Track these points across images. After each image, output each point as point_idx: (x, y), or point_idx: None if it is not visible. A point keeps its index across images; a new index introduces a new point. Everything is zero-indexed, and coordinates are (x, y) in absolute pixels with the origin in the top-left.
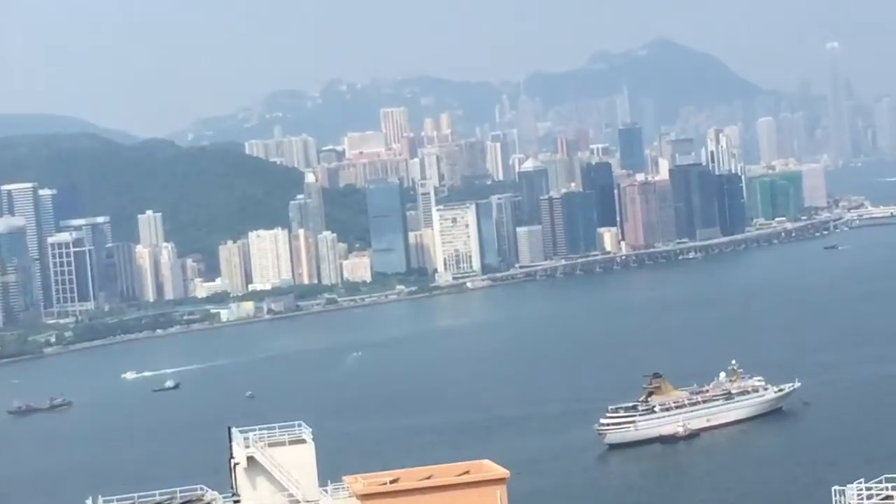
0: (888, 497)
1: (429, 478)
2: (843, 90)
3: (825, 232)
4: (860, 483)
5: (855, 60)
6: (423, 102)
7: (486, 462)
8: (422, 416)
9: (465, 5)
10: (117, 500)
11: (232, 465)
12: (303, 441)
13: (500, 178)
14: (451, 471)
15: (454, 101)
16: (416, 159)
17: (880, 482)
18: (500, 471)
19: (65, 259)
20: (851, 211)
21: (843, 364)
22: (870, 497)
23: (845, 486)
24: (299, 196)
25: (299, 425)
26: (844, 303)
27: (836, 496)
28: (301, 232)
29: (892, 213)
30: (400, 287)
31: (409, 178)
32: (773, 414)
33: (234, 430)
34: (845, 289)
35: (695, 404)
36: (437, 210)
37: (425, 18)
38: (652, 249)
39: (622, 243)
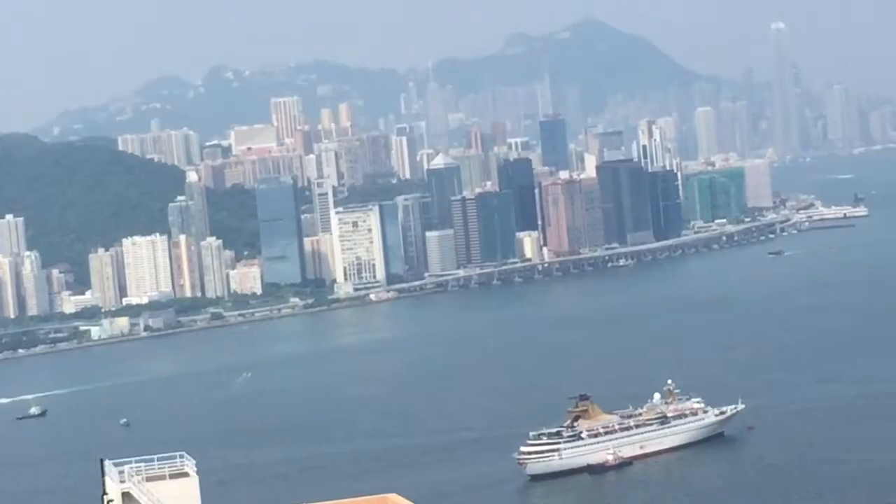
0: None
1: None
2: (789, 77)
3: (770, 235)
4: None
5: (803, 43)
6: (320, 92)
7: (393, 496)
8: (320, 444)
9: None
10: None
11: (105, 501)
12: (185, 474)
13: (407, 176)
14: None
15: (355, 91)
16: (312, 156)
17: None
18: None
19: None
20: (800, 212)
21: (791, 384)
22: None
23: None
24: (180, 198)
25: (181, 456)
26: (791, 316)
27: None
28: (182, 238)
29: (844, 215)
30: (294, 300)
31: (305, 177)
32: (713, 440)
33: (106, 462)
34: (792, 300)
35: (626, 430)
36: (336, 213)
37: None
38: (577, 256)
39: (544, 249)
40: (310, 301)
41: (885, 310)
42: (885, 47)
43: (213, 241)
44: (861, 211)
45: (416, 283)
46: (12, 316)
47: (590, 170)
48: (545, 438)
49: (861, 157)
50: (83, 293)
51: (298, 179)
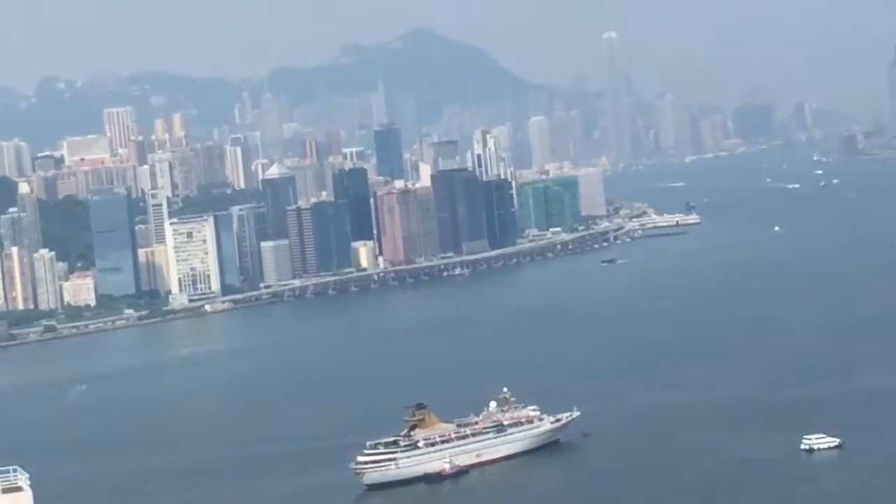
0: None
1: None
2: (622, 86)
3: (604, 244)
4: None
5: (634, 53)
6: (154, 102)
7: None
8: (156, 456)
9: None
10: None
11: None
12: (19, 489)
13: (242, 186)
14: None
15: (188, 101)
16: (146, 166)
17: None
18: None
19: None
20: (633, 220)
21: (625, 390)
22: None
23: None
24: (12, 209)
25: (14, 470)
26: (624, 323)
27: None
28: (14, 250)
29: (677, 222)
30: (129, 311)
31: (138, 188)
32: (550, 447)
33: None
34: (625, 308)
35: (463, 438)
36: (171, 224)
37: (153, 7)
38: (413, 265)
39: (380, 259)
40: (144, 313)
41: (717, 316)
42: (715, 57)
43: (45, 253)
44: (693, 219)
45: (252, 293)
46: None
47: (425, 179)
48: (382, 448)
49: (692, 165)
50: None
51: (132, 190)
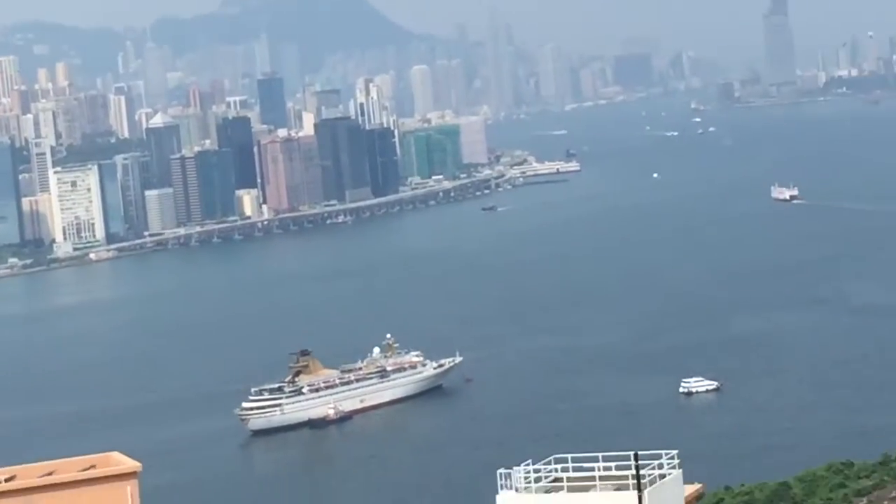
0: (557, 479)
1: (50, 474)
2: (503, 35)
3: (486, 191)
4: (527, 465)
5: (515, 2)
6: (37, 51)
7: (115, 454)
8: (42, 404)
9: None
10: None
11: None
12: None
13: (126, 135)
14: (75, 465)
15: (72, 50)
16: (30, 115)
17: (548, 463)
18: (131, 464)
19: None
20: (514, 168)
21: (505, 337)
22: (538, 480)
23: (511, 468)
24: None
25: None
26: (504, 271)
27: (501, 480)
28: None
29: (557, 170)
30: (13, 260)
31: (22, 137)
32: (432, 392)
33: None
34: (505, 255)
35: (347, 384)
36: (55, 172)
37: None
38: (297, 213)
39: (264, 207)
40: (29, 261)
41: (597, 263)
42: (595, 6)
43: None
44: (573, 166)
45: (137, 241)
46: None
47: (308, 128)
48: (266, 394)
49: (573, 113)
50: None
51: (16, 139)
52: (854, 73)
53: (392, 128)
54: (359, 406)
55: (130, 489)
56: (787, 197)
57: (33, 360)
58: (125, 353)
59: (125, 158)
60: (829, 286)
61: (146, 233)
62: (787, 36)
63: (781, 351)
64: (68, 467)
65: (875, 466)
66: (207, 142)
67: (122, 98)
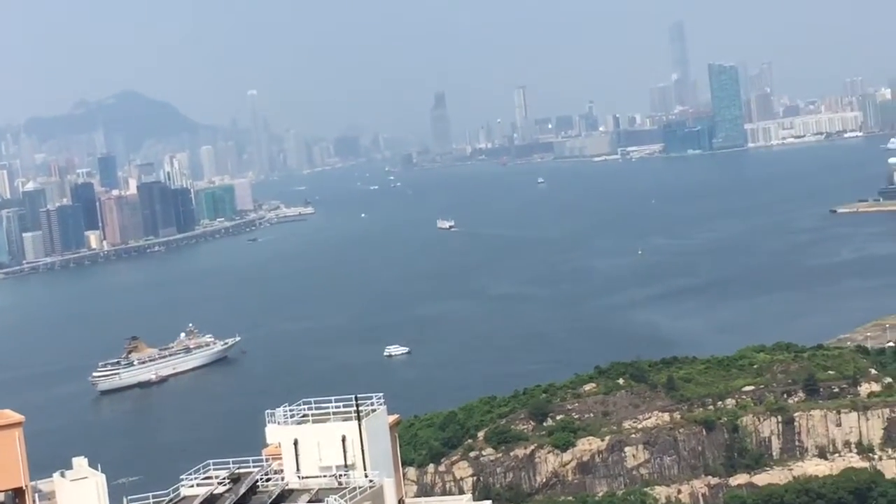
0: (304, 416)
1: None
2: (261, 124)
3: (253, 228)
4: (285, 406)
5: (269, 102)
6: None
7: (5, 411)
8: None
9: None
10: None
11: None
12: None
13: (8, 196)
14: None
15: None
16: None
17: (299, 405)
18: (17, 416)
19: None
20: (271, 212)
21: (268, 323)
22: (292, 416)
23: (274, 409)
24: None
25: None
26: (266, 280)
27: (268, 417)
28: None
29: (300, 213)
30: None
31: None
32: (221, 362)
33: None
34: (264, 269)
35: (163, 357)
36: None
37: None
38: (127, 245)
39: (104, 242)
40: None
41: (328, 273)
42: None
43: None
44: (310, 210)
45: (17, 267)
46: None
47: (132, 188)
48: (109, 366)
49: (309, 175)
50: None
51: None
52: (489, 145)
53: (189, 188)
54: (171, 372)
55: (18, 435)
56: (448, 226)
57: None
58: (10, 343)
59: (8, 212)
60: (476, 283)
61: (24, 261)
62: (445, 122)
63: (448, 326)
64: None
65: (509, 399)
66: (65, 199)
67: (5, 171)
